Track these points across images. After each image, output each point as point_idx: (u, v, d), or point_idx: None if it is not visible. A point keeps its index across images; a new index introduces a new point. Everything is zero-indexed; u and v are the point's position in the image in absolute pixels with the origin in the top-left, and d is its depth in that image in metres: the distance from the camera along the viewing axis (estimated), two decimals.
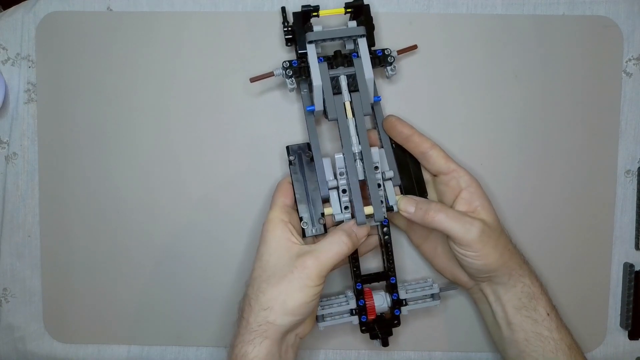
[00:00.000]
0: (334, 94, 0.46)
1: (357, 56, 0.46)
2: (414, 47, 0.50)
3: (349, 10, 0.47)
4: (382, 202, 0.46)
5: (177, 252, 0.53)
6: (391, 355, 0.53)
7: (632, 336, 0.53)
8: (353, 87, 0.46)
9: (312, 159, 0.47)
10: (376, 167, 0.46)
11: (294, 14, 0.48)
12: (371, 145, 0.47)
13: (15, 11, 0.52)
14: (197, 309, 0.53)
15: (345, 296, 0.49)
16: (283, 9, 0.49)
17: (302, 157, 0.48)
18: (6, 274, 0.53)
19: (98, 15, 0.51)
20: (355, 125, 0.46)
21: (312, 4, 0.47)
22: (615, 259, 0.53)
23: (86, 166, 0.52)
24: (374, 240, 0.49)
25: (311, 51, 0.46)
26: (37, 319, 0.53)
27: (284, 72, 0.47)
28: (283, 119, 0.52)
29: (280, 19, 0.49)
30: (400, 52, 0.49)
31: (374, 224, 0.46)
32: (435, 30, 0.52)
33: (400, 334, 0.53)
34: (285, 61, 0.47)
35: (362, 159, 0.45)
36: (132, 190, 0.52)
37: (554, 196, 0.52)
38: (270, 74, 0.47)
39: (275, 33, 0.51)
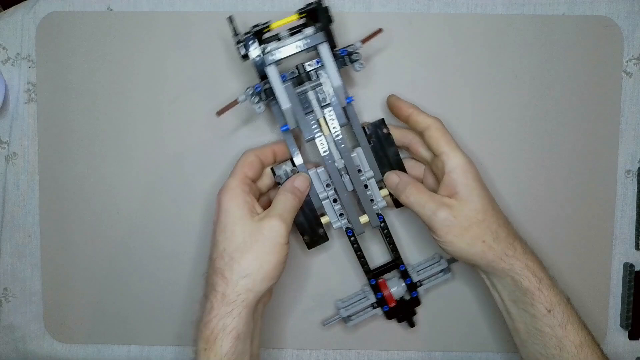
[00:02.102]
0: (306, 113, 0.45)
1: (321, 63, 0.44)
2: (379, 31, 0.47)
3: (303, 15, 0.44)
4: (372, 201, 0.47)
5: (177, 252, 0.53)
6: (391, 355, 0.53)
7: (632, 336, 0.53)
8: (323, 99, 0.45)
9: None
10: (359, 171, 0.47)
11: (245, 34, 0.43)
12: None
13: (15, 11, 0.52)
14: (197, 309, 0.53)
15: (363, 292, 0.51)
16: (230, 19, 0.44)
17: (288, 175, 0.47)
18: (6, 274, 0.53)
19: (98, 15, 0.51)
20: (334, 140, 0.45)
21: (262, 21, 0.44)
22: (615, 259, 0.53)
23: (86, 166, 0.52)
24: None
25: (272, 73, 0.43)
26: (37, 319, 0.53)
27: (249, 98, 0.44)
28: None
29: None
30: (364, 40, 0.46)
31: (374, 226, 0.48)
32: (435, 30, 0.52)
33: (400, 334, 0.53)
34: (248, 88, 0.44)
35: (347, 172, 0.46)
36: (133, 190, 0.52)
37: (554, 196, 0.52)
38: (234, 103, 0.45)
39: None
